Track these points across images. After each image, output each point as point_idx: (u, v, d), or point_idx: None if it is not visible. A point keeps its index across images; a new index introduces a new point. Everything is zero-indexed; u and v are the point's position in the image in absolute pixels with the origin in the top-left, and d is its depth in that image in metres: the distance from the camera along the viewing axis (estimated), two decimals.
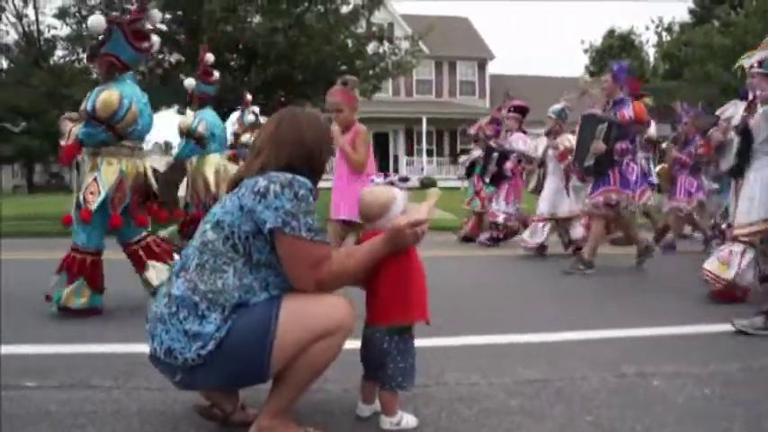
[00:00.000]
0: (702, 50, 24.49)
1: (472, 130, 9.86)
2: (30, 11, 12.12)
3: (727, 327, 3.66)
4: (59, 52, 12.87)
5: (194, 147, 6.45)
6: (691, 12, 35.08)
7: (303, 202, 1.98)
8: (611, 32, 42.06)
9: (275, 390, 2.06)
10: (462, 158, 10.49)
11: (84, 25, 12.05)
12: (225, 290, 1.97)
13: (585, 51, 44.36)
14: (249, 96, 9.11)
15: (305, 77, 12.25)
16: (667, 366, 2.98)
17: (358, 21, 12.67)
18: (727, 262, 4.49)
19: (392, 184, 2.33)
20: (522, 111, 8.59)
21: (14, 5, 11.93)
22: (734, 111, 4.91)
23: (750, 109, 4.58)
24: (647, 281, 5.85)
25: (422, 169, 28.81)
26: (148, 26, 4.20)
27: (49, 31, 12.51)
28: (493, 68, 32.07)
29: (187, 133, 6.41)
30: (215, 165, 6.42)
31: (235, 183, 2.12)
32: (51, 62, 12.53)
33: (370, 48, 13.08)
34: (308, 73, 12.03)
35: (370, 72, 13.31)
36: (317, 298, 2.03)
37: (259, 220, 1.97)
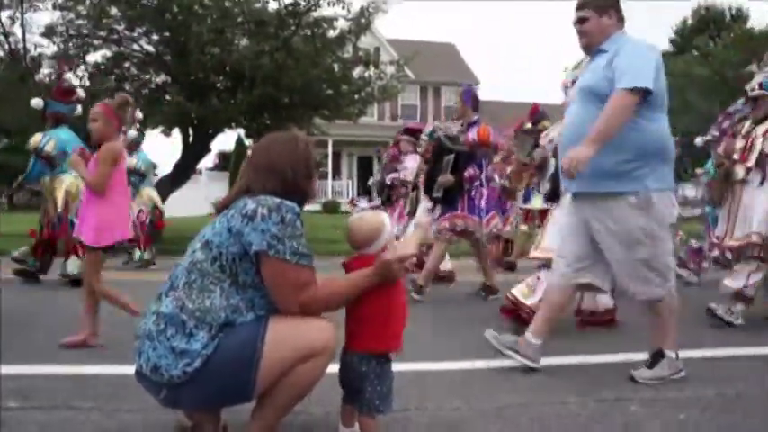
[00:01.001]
0: (682, 80, 24.98)
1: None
2: (17, 28, 12.15)
3: (701, 352, 3.74)
4: (45, 70, 12.87)
5: (43, 166, 6.48)
6: (671, 41, 35.82)
7: (289, 226, 2.03)
8: None
9: (258, 410, 2.08)
10: (370, 181, 10.35)
11: (71, 44, 12.07)
12: (212, 309, 2.00)
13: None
14: (139, 114, 8.97)
15: (291, 100, 12.32)
16: (645, 392, 3.03)
17: (344, 45, 12.79)
18: (533, 288, 4.53)
19: (377, 207, 2.36)
20: (414, 133, 8.55)
21: (1, 24, 11.93)
22: (556, 133, 4.86)
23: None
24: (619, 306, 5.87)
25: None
26: None
27: (35, 49, 12.53)
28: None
29: (35, 152, 6.43)
30: (66, 184, 6.43)
31: (221, 207, 2.16)
32: (37, 79, 12.51)
33: (356, 72, 13.20)
34: (294, 96, 12.10)
35: (356, 96, 13.41)
36: (304, 320, 2.07)
37: (246, 243, 2.01)
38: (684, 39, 34.42)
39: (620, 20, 3.34)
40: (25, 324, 4.11)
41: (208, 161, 28.08)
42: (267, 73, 11.23)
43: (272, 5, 12.07)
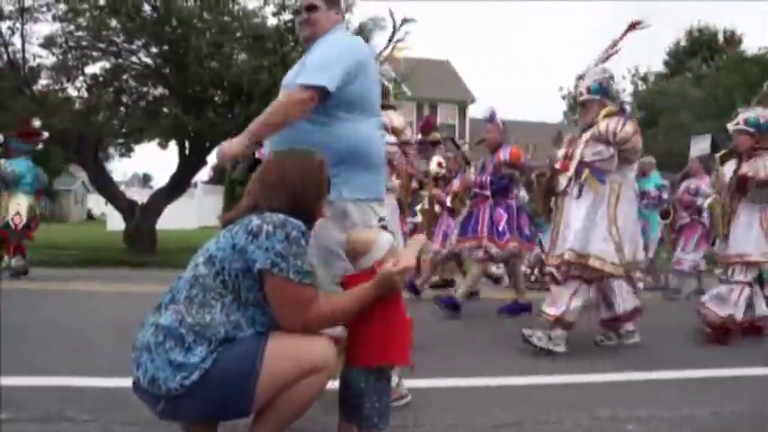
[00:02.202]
0: (676, 100, 25.23)
1: None
2: (17, 39, 12.15)
3: (696, 372, 3.74)
4: (43, 81, 12.88)
5: None
6: (665, 63, 36.19)
7: (294, 244, 2.02)
8: None
9: (256, 425, 2.07)
10: None
11: (69, 55, 12.10)
12: (212, 324, 1.99)
13: (563, 98, 45.40)
14: (36, 123, 8.85)
15: None
16: (640, 410, 3.02)
17: None
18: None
19: (385, 228, 2.36)
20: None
21: (1, 34, 11.93)
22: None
23: None
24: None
25: None
26: None
27: (34, 59, 12.53)
28: (473, 112, 32.62)
29: None
30: None
31: (227, 222, 2.16)
32: (35, 90, 12.51)
33: None
34: None
35: None
36: (305, 336, 2.06)
37: (249, 260, 2.01)
38: (678, 60, 34.81)
39: (342, 17, 3.09)
40: (14, 334, 4.08)
41: (203, 174, 28.08)
42: (265, 88, 11.29)
43: (271, 21, 12.17)
